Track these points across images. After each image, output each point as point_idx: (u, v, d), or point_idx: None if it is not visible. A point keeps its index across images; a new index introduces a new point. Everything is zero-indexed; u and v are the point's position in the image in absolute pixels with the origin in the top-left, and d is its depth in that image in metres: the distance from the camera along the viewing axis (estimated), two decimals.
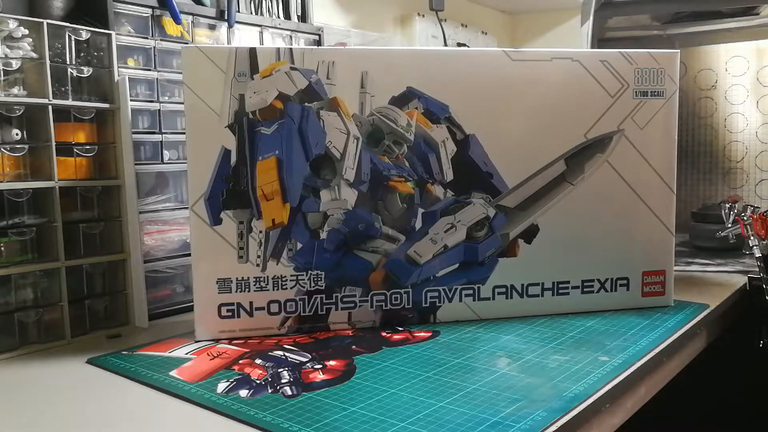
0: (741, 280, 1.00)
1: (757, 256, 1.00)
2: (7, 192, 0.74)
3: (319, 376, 0.62)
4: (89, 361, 0.70)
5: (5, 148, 0.74)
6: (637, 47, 1.39)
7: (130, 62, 0.89)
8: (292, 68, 0.48)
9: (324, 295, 0.59)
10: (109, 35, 0.82)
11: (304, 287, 0.59)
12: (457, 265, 0.67)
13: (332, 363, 0.66)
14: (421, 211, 0.58)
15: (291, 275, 0.58)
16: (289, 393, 0.58)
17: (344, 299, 0.62)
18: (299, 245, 0.50)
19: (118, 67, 0.83)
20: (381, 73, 0.47)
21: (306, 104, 0.46)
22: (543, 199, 0.72)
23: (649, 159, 0.78)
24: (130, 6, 0.88)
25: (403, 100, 0.45)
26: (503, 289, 0.73)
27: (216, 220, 0.55)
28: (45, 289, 0.77)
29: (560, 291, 0.76)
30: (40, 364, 0.71)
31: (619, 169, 0.77)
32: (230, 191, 0.49)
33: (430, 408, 0.54)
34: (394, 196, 0.54)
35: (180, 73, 0.94)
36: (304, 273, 0.59)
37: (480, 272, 0.69)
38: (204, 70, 0.52)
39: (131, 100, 0.83)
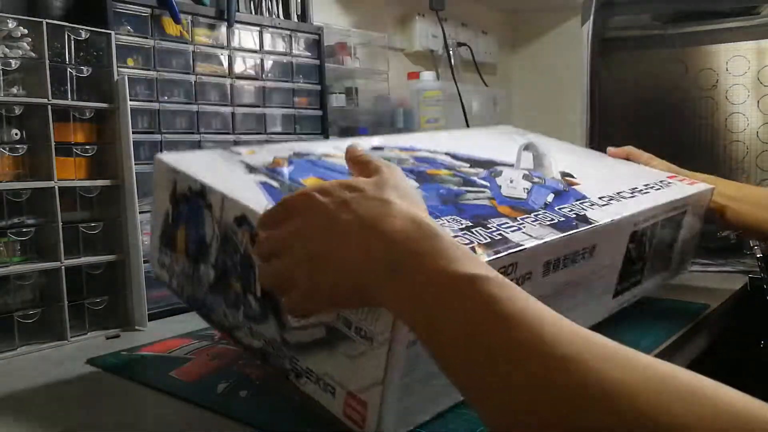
0: (742, 280, 1.00)
1: (758, 256, 0.99)
2: (7, 192, 0.74)
3: None
4: (88, 362, 0.70)
5: (4, 148, 0.74)
6: (638, 47, 1.39)
7: (130, 62, 0.89)
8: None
9: None
10: (109, 35, 0.82)
11: None
12: None
13: None
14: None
15: None
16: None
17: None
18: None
19: (118, 66, 0.83)
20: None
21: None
22: None
23: None
24: (129, 5, 0.88)
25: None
26: None
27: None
28: (44, 290, 0.77)
29: None
30: (39, 365, 0.71)
31: None
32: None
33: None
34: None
35: (179, 72, 0.94)
36: None
37: None
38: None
39: (131, 100, 0.83)
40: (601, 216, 0.63)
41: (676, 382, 0.33)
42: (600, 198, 0.69)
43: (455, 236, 0.51)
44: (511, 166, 0.76)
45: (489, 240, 0.52)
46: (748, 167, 1.32)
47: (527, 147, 0.85)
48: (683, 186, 0.81)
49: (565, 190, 0.70)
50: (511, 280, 0.50)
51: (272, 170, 0.61)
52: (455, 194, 0.63)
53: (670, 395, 0.32)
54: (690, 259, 0.87)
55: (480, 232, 0.54)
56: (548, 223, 0.58)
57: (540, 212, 0.61)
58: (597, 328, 0.45)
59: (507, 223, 0.57)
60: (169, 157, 0.65)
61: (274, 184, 0.57)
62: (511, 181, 0.70)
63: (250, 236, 0.53)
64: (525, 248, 0.52)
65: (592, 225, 0.60)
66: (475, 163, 0.74)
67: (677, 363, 0.77)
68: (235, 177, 0.59)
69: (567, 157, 0.85)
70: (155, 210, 0.66)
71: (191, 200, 0.60)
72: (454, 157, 0.75)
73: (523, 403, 0.35)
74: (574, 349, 0.35)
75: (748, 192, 0.86)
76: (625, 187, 0.74)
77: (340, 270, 0.44)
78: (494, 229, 0.55)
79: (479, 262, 0.41)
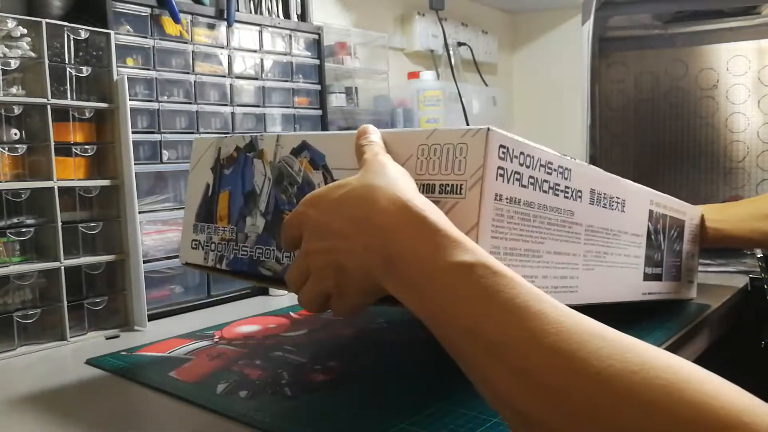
0: (742, 281, 1.00)
1: (759, 256, 0.99)
2: (6, 192, 0.73)
3: (320, 377, 0.62)
4: (88, 362, 0.70)
5: (4, 148, 0.74)
6: (638, 47, 1.39)
7: (129, 61, 0.89)
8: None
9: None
10: (108, 34, 0.82)
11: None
12: None
13: (332, 364, 0.66)
14: None
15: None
16: (289, 394, 0.58)
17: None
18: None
19: (117, 66, 0.83)
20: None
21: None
22: None
23: None
24: (129, 5, 0.88)
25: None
26: None
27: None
28: (44, 290, 0.77)
29: None
30: (38, 365, 0.71)
31: None
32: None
33: (432, 407, 0.54)
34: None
35: (179, 72, 0.94)
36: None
37: None
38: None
39: (130, 100, 0.83)
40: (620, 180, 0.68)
41: (681, 375, 0.33)
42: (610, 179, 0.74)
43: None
44: None
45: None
46: (749, 167, 1.32)
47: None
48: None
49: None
50: (566, 188, 0.56)
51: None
52: None
53: (681, 392, 0.32)
54: (695, 280, 0.91)
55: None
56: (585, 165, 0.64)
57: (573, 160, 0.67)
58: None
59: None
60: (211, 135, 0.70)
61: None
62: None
63: (308, 162, 0.57)
64: (576, 161, 0.57)
65: (619, 178, 0.66)
66: None
67: None
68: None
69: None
70: (192, 193, 0.69)
71: (238, 158, 0.64)
72: None
73: (525, 394, 0.35)
74: (575, 343, 0.35)
75: (731, 211, 0.92)
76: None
77: (353, 269, 0.45)
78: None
79: (470, 247, 0.41)
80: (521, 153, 0.50)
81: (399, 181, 0.46)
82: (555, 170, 0.55)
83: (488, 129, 0.47)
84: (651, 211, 0.74)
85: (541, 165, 0.53)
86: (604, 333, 0.37)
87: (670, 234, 0.80)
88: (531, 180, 0.52)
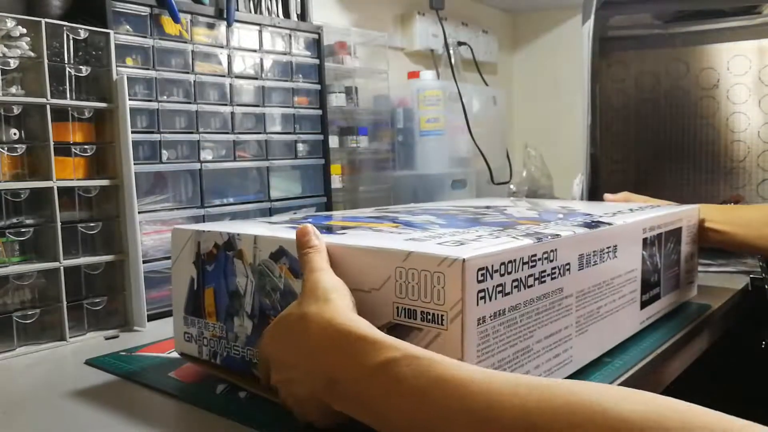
0: (743, 281, 1.00)
1: (759, 256, 0.99)
2: (5, 192, 0.73)
3: None
4: (87, 362, 0.70)
5: (3, 148, 0.74)
6: (638, 47, 1.39)
7: (129, 61, 0.89)
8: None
9: None
10: (108, 34, 0.82)
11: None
12: None
13: None
14: None
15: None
16: None
17: None
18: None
19: (117, 66, 0.83)
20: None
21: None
22: None
23: None
24: (128, 5, 0.88)
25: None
26: None
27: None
28: (43, 290, 0.77)
29: None
30: (38, 365, 0.70)
31: None
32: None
33: None
34: None
35: (179, 72, 0.94)
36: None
37: None
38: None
39: (130, 100, 0.83)
40: (613, 221, 0.68)
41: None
42: (605, 213, 0.74)
43: (490, 233, 0.56)
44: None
45: (525, 234, 0.56)
46: (749, 167, 1.31)
47: (519, 199, 0.94)
48: (672, 206, 0.90)
49: (571, 212, 0.76)
50: (553, 270, 0.55)
51: (294, 221, 0.67)
52: (473, 218, 0.70)
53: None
54: (695, 280, 0.91)
55: (513, 231, 0.58)
56: (572, 224, 0.63)
57: (559, 221, 0.67)
58: None
59: (534, 226, 0.61)
60: (188, 226, 0.69)
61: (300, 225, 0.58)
62: (519, 211, 0.77)
63: (288, 269, 0.55)
64: (562, 236, 0.56)
65: (611, 225, 0.66)
66: (477, 207, 0.81)
67: (678, 364, 0.77)
68: (260, 226, 0.64)
69: (559, 202, 0.95)
70: (177, 284, 0.66)
71: (218, 255, 0.61)
72: (455, 206, 0.84)
73: None
74: (509, 412, 0.36)
75: (735, 214, 0.92)
76: (623, 209, 0.82)
77: (305, 398, 0.48)
78: (525, 229, 0.59)
79: (389, 344, 0.43)
80: (501, 264, 0.49)
81: (330, 303, 0.48)
82: (539, 259, 0.53)
83: (464, 260, 0.45)
84: (645, 239, 0.73)
85: (524, 263, 0.51)
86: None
87: (667, 248, 0.80)
88: (515, 284, 0.51)
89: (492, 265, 0.48)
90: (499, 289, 0.49)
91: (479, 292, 0.47)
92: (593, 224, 0.64)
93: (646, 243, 0.74)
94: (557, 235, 0.56)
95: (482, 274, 0.47)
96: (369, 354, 0.42)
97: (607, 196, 1.07)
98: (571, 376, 0.37)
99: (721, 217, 0.90)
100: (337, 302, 0.48)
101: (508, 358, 0.51)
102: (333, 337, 0.45)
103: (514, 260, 0.50)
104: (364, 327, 0.45)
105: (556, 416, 0.34)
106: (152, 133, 0.91)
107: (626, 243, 0.69)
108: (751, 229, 0.88)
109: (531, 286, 0.53)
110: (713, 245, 0.92)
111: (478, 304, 0.47)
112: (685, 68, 1.35)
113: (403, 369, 0.40)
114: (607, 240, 0.65)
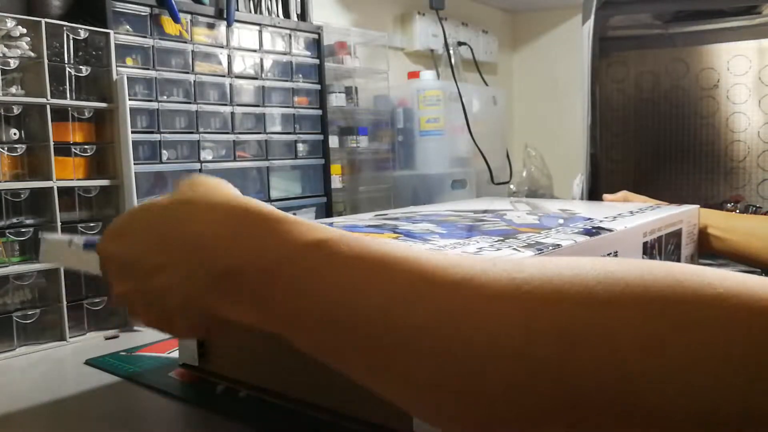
0: None
1: None
2: (5, 192, 0.73)
3: None
4: (87, 362, 0.70)
5: (3, 148, 0.74)
6: (638, 47, 1.39)
7: (129, 61, 0.89)
8: None
9: None
10: (108, 34, 0.82)
11: None
12: None
13: None
14: None
15: None
16: None
17: None
18: None
19: (117, 66, 0.83)
20: None
21: None
22: None
23: None
24: (128, 5, 0.88)
25: None
26: None
27: None
28: (43, 290, 0.77)
29: None
30: (38, 365, 0.70)
31: None
32: None
33: None
34: None
35: (179, 72, 0.93)
36: None
37: None
38: None
39: (130, 100, 0.83)
40: (613, 227, 0.68)
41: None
42: (605, 218, 0.75)
43: (491, 245, 0.55)
44: (511, 211, 0.83)
45: (526, 245, 0.56)
46: (749, 167, 1.31)
47: (519, 200, 0.93)
48: (671, 207, 0.90)
49: (571, 216, 0.77)
50: None
51: None
52: (473, 226, 0.70)
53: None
54: None
55: (514, 242, 0.58)
56: (572, 232, 0.63)
57: (559, 228, 0.67)
58: None
59: (535, 235, 0.61)
60: None
61: None
62: (519, 217, 0.77)
63: None
64: (563, 246, 0.56)
65: (611, 231, 0.66)
66: (476, 212, 0.81)
67: None
68: None
69: (559, 204, 0.95)
70: None
71: None
72: (454, 211, 0.83)
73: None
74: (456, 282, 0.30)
75: (737, 222, 0.90)
76: (623, 211, 0.82)
77: (176, 306, 0.38)
78: (526, 239, 0.59)
79: (321, 226, 0.35)
80: None
81: (222, 185, 0.40)
82: None
83: None
84: (645, 243, 0.74)
85: None
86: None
87: (667, 250, 0.80)
88: None
89: None
90: None
91: None
92: (594, 231, 0.65)
93: (647, 247, 0.74)
94: (558, 245, 0.56)
95: None
96: (294, 234, 0.34)
97: (606, 196, 1.07)
98: None
99: (721, 222, 0.88)
100: (228, 187, 0.40)
101: None
102: (239, 217, 0.36)
103: None
104: (279, 211, 0.37)
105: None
106: (152, 133, 0.91)
107: (626, 248, 0.70)
108: (754, 239, 0.86)
109: None
110: (714, 253, 0.90)
111: None
112: (685, 68, 1.35)
113: (342, 248, 0.33)
114: (607, 247, 0.65)
